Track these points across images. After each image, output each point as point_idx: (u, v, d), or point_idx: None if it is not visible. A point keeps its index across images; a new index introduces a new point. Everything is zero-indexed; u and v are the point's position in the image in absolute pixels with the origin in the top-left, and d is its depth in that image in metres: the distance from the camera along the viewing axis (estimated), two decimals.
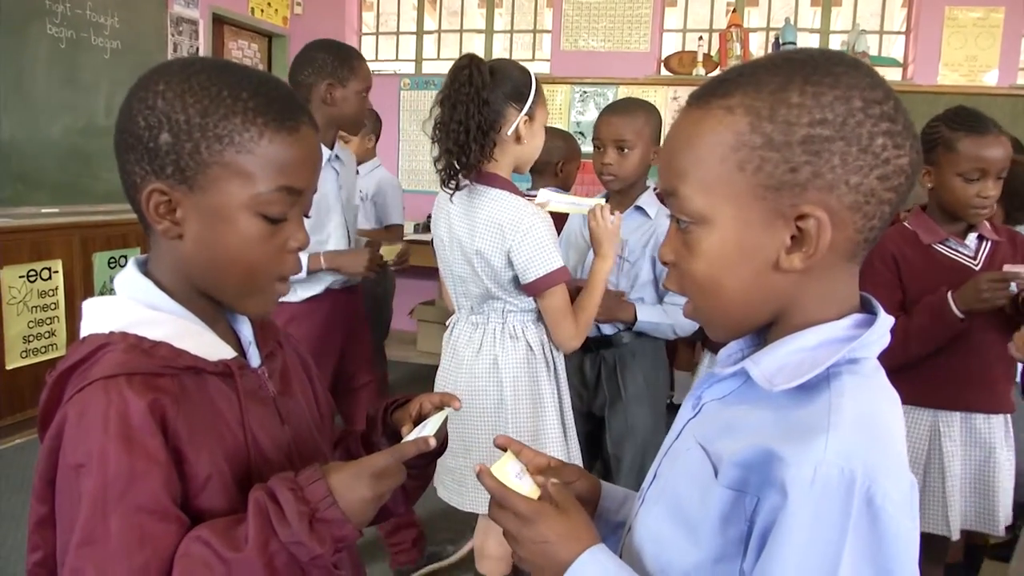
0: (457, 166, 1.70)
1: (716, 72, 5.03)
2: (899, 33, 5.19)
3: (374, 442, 0.99)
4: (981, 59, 4.77)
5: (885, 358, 0.70)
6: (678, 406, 2.43)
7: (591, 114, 5.28)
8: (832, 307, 0.69)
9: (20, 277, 3.67)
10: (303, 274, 2.20)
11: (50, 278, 3.83)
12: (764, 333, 0.74)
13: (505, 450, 0.87)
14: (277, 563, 0.70)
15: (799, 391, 0.66)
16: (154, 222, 0.78)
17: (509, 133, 1.72)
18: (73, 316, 3.93)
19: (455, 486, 1.86)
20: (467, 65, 1.67)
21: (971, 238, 1.85)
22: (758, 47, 5.23)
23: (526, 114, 1.73)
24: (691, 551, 0.69)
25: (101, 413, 0.70)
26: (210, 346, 0.80)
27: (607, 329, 2.15)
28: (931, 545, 1.55)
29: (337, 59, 2.23)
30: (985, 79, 4.78)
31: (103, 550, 0.68)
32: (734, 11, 5.16)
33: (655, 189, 2.44)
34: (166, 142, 0.74)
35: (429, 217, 1.95)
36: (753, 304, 0.70)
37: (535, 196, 1.95)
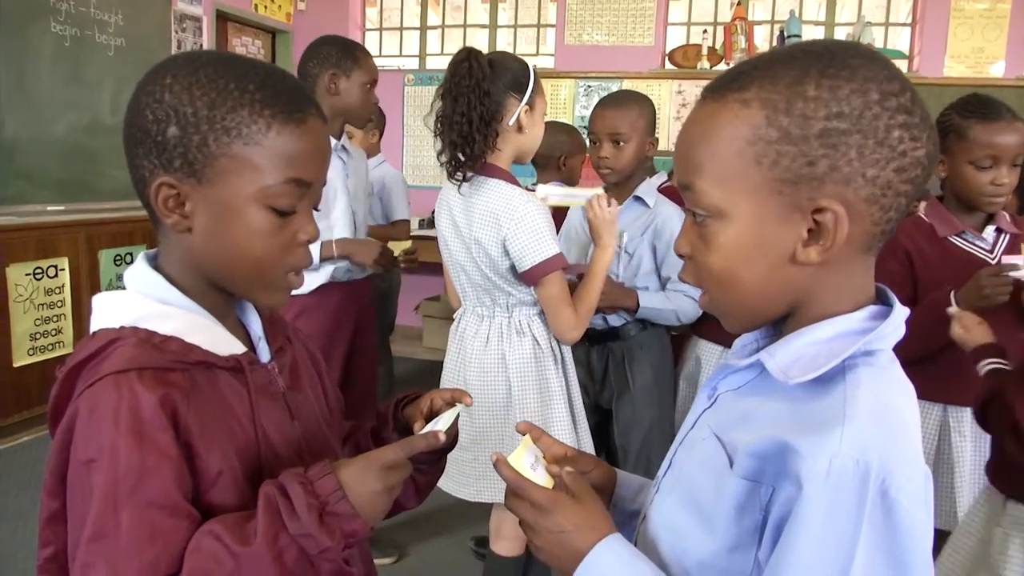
0: (462, 158, 1.72)
1: (721, 66, 5.03)
2: (905, 25, 5.17)
3: (385, 438, 0.99)
4: (988, 51, 4.75)
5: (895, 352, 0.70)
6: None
7: None
8: (848, 299, 0.69)
9: (26, 275, 3.68)
10: (316, 261, 2.24)
11: (56, 276, 3.84)
12: (779, 324, 0.74)
13: (524, 435, 0.87)
14: (287, 557, 0.70)
15: (814, 383, 0.66)
16: (163, 216, 0.77)
17: (511, 123, 1.74)
18: (80, 313, 3.94)
19: (461, 478, 1.87)
20: (466, 58, 1.69)
21: (988, 231, 1.83)
22: (763, 40, 5.21)
23: (526, 104, 1.75)
24: (706, 540, 0.69)
25: (112, 408, 0.70)
26: (221, 341, 0.80)
27: (615, 321, 2.16)
28: (939, 539, 1.55)
29: (341, 51, 2.31)
30: (992, 71, 4.76)
31: (114, 545, 0.68)
32: (738, 4, 5.14)
33: (666, 182, 2.44)
34: (174, 135, 0.74)
35: (434, 212, 1.95)
36: (769, 296, 0.70)
37: (535, 189, 1.96)
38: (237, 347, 0.82)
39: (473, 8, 5.85)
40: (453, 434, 0.95)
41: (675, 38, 5.38)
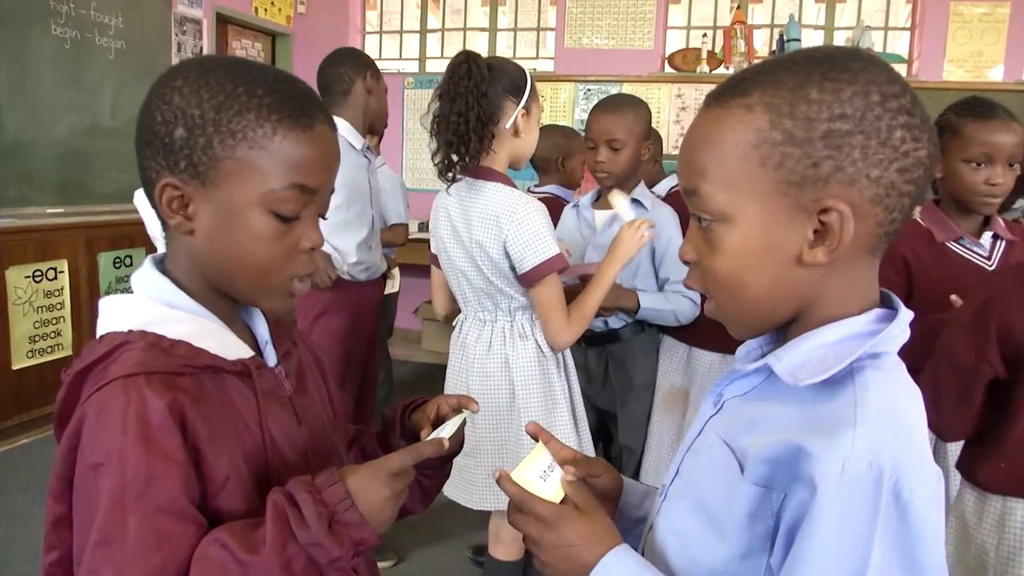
0: (455, 158, 1.73)
1: (720, 70, 5.03)
2: (904, 29, 5.17)
3: (392, 443, 0.99)
4: (987, 55, 4.75)
5: None
6: None
7: None
8: (853, 302, 0.70)
9: (26, 277, 3.67)
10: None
11: (55, 278, 3.83)
12: (783, 330, 0.74)
13: (532, 438, 0.87)
14: (295, 566, 0.70)
15: (823, 386, 0.66)
16: (167, 216, 0.78)
17: (507, 126, 1.75)
18: (79, 316, 3.94)
19: (463, 484, 1.87)
20: (465, 60, 1.70)
21: (986, 237, 1.82)
22: (762, 44, 5.21)
23: (523, 108, 1.76)
24: (718, 547, 0.69)
25: (120, 413, 0.69)
26: (228, 345, 0.80)
27: (614, 323, 2.17)
28: None
29: (369, 60, 2.54)
30: (991, 75, 4.77)
31: (120, 550, 0.68)
32: (738, 8, 5.15)
33: (675, 186, 2.46)
34: (180, 137, 0.74)
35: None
36: (777, 300, 0.70)
37: (539, 193, 1.96)
38: (244, 351, 0.82)
39: (473, 11, 5.86)
40: (459, 440, 0.94)
41: (674, 42, 5.38)
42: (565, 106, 5.33)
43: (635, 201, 2.17)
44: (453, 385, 1.92)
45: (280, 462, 0.81)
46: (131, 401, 0.70)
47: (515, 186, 1.78)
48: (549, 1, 5.56)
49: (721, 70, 5.06)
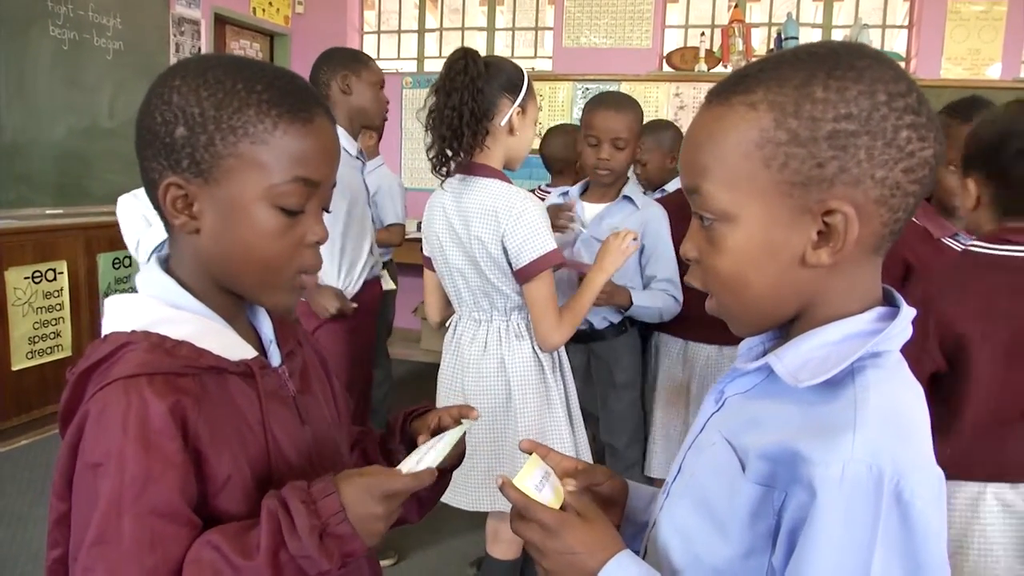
0: (449, 152, 1.73)
1: (718, 68, 5.03)
2: (902, 27, 5.18)
3: (392, 449, 0.99)
4: (984, 52, 4.76)
5: None
6: None
7: None
8: (856, 301, 0.69)
9: (25, 278, 3.68)
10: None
11: (55, 279, 3.84)
12: (785, 326, 0.74)
13: (530, 454, 0.86)
14: (286, 574, 0.70)
15: (823, 386, 0.65)
16: (171, 216, 0.78)
17: (503, 123, 1.75)
18: (78, 317, 3.94)
19: (457, 487, 1.86)
20: (463, 56, 1.70)
21: None
22: (760, 42, 5.21)
23: (519, 106, 1.76)
24: (721, 546, 0.69)
25: (121, 414, 0.70)
26: (232, 345, 0.80)
27: (598, 323, 2.20)
28: None
29: (347, 55, 2.44)
30: (988, 72, 4.77)
31: (115, 550, 0.68)
32: (736, 6, 5.15)
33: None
34: (182, 135, 0.75)
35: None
36: (779, 299, 0.70)
37: (549, 192, 1.97)
38: (248, 351, 0.82)
39: (471, 11, 5.86)
40: (460, 452, 0.95)
41: (673, 41, 5.38)
42: (563, 105, 5.33)
43: (626, 198, 2.19)
44: (447, 386, 1.92)
45: (283, 462, 0.82)
46: (132, 402, 0.70)
47: (510, 181, 1.79)
48: (547, 0, 5.56)
49: (719, 69, 5.06)
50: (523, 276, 1.74)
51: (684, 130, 4.31)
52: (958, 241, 1.84)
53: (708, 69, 5.08)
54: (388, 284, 2.85)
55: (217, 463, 0.75)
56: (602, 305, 2.08)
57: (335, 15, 5.78)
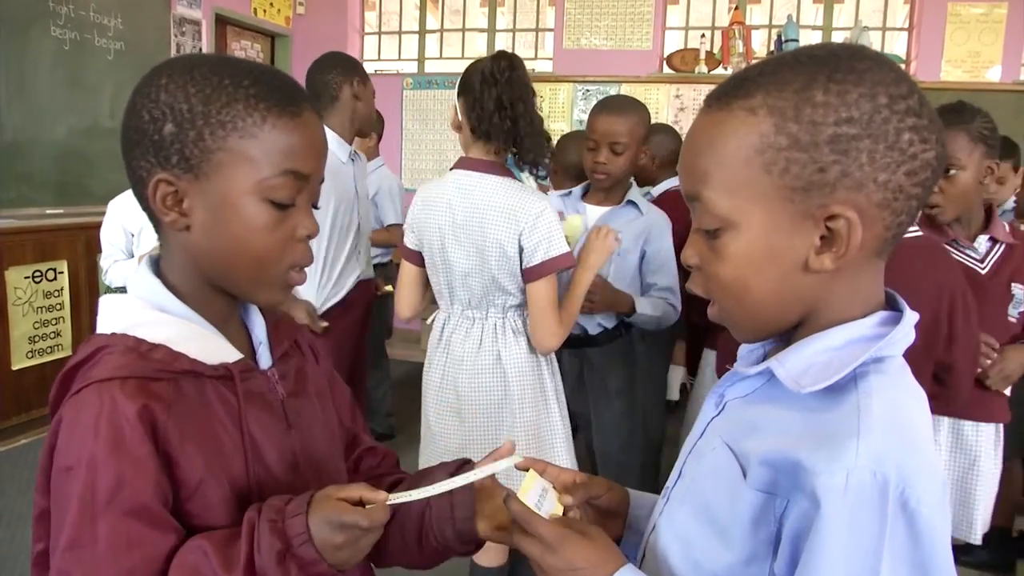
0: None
1: (719, 70, 5.03)
2: (902, 29, 5.18)
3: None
4: (984, 55, 4.76)
5: None
6: (673, 403, 2.44)
7: None
8: (858, 305, 0.68)
9: (25, 278, 3.68)
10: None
11: (55, 279, 3.84)
12: (787, 331, 0.73)
13: (527, 471, 0.84)
14: None
15: (825, 391, 0.65)
16: (161, 214, 0.77)
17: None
18: (79, 317, 3.95)
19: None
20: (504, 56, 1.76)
21: (981, 241, 1.81)
22: (760, 44, 5.22)
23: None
24: (722, 552, 0.68)
25: (93, 417, 0.70)
26: (212, 349, 0.80)
27: (592, 329, 2.18)
28: None
29: (355, 62, 2.50)
30: (988, 75, 4.77)
31: (91, 554, 0.68)
32: (736, 8, 5.15)
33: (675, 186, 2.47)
34: (170, 132, 0.74)
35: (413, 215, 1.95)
36: (782, 305, 0.69)
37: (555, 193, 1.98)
38: (230, 355, 0.81)
39: (472, 12, 5.86)
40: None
41: (673, 42, 5.39)
42: (563, 107, 5.34)
43: (630, 203, 2.17)
44: (437, 385, 1.89)
45: (262, 467, 0.80)
46: (104, 406, 0.70)
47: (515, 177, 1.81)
48: (548, 2, 5.56)
49: (719, 71, 5.07)
50: (533, 275, 1.75)
51: (682, 130, 4.34)
52: (955, 248, 1.82)
53: (708, 71, 5.08)
54: (388, 287, 2.87)
55: (188, 467, 0.74)
56: (601, 311, 2.07)
57: (336, 16, 5.79)
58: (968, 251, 1.82)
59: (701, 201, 0.68)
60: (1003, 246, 1.82)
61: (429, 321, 1.96)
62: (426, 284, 1.94)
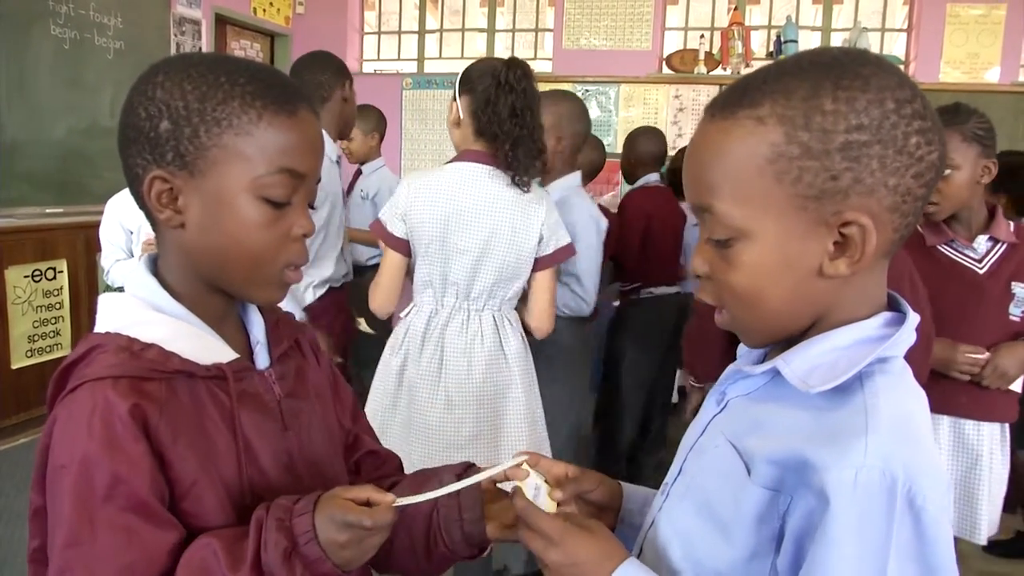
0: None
1: (718, 71, 5.04)
2: (901, 31, 5.19)
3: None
4: (983, 56, 4.77)
5: None
6: (675, 405, 2.44)
7: (593, 112, 5.28)
8: (865, 306, 0.69)
9: (25, 277, 3.68)
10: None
11: (55, 278, 3.84)
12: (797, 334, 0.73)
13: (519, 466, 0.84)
14: None
15: (832, 391, 0.65)
16: (156, 211, 0.77)
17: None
18: (78, 316, 3.95)
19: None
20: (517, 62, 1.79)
21: (980, 240, 1.81)
22: (760, 45, 5.23)
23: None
24: (724, 549, 0.68)
25: (86, 416, 0.70)
26: (207, 349, 0.79)
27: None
28: None
29: (346, 66, 2.50)
30: (987, 76, 4.78)
31: (90, 551, 0.68)
32: (735, 9, 5.16)
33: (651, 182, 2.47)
34: (166, 129, 0.74)
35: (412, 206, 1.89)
36: (795, 311, 0.69)
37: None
38: (226, 354, 0.81)
39: (471, 12, 5.87)
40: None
41: (672, 43, 5.40)
42: None
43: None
44: (431, 378, 1.84)
45: (255, 469, 0.80)
46: (97, 405, 0.70)
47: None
48: (547, 2, 5.57)
49: (719, 71, 5.08)
50: (545, 263, 1.82)
51: (681, 131, 4.33)
52: (953, 248, 1.82)
53: (707, 71, 5.10)
54: None
55: (181, 467, 0.74)
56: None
57: (336, 16, 5.79)
58: (965, 251, 1.82)
59: (712, 212, 0.68)
60: (1005, 245, 1.81)
61: (405, 315, 1.91)
62: (405, 276, 1.89)
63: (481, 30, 5.83)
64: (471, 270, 1.80)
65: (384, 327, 3.68)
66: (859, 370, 0.65)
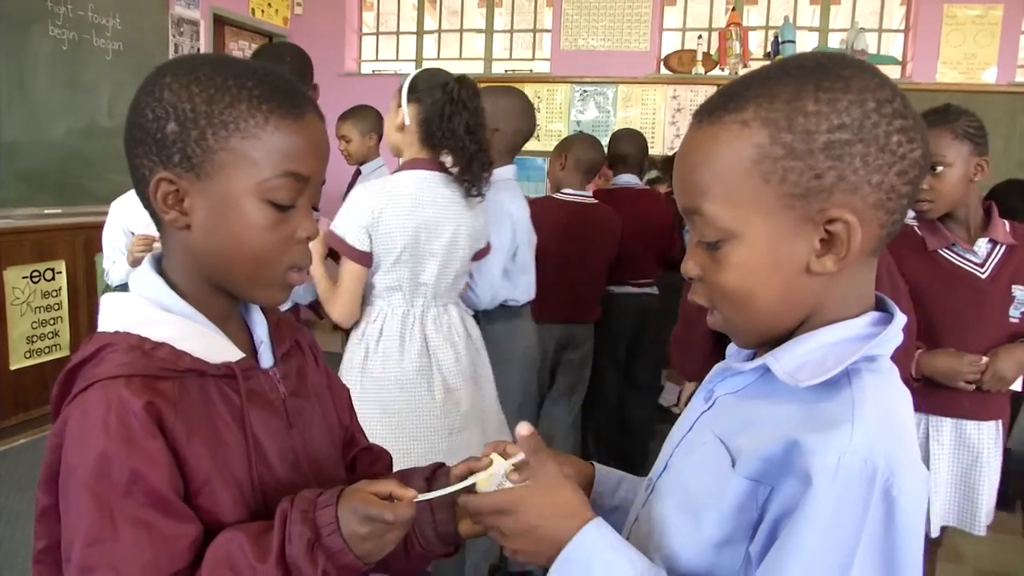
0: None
1: (716, 71, 5.05)
2: (898, 31, 5.20)
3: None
4: (980, 56, 4.78)
5: None
6: (667, 409, 2.50)
7: (591, 113, 5.30)
8: (853, 304, 0.70)
9: (23, 278, 3.69)
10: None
11: (53, 279, 3.84)
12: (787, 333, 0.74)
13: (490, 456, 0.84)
14: None
15: (820, 386, 0.67)
16: (161, 212, 0.78)
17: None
18: (77, 317, 3.95)
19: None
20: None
21: (981, 243, 1.81)
22: (757, 46, 5.24)
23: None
24: (697, 536, 0.70)
25: (102, 415, 0.70)
26: (215, 347, 0.80)
27: None
28: None
29: (304, 56, 2.50)
30: (984, 76, 4.80)
31: (113, 548, 0.69)
32: (733, 10, 5.17)
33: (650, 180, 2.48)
34: (173, 131, 0.75)
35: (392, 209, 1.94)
36: (785, 310, 0.70)
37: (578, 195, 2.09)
38: (233, 353, 0.82)
39: (469, 13, 5.88)
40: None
41: (670, 43, 5.41)
42: (561, 107, 5.35)
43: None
44: (425, 371, 1.87)
45: (264, 465, 0.81)
46: (111, 403, 0.71)
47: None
48: (545, 3, 5.58)
49: (716, 72, 5.09)
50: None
51: (680, 131, 4.37)
52: (954, 252, 1.83)
53: (705, 72, 5.11)
54: None
55: (196, 465, 0.75)
56: None
57: (334, 16, 5.80)
58: (968, 255, 1.83)
59: (701, 215, 0.69)
60: (1003, 247, 1.82)
61: (374, 319, 1.92)
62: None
63: (479, 31, 5.84)
64: (439, 271, 1.88)
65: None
66: (847, 367, 0.66)
